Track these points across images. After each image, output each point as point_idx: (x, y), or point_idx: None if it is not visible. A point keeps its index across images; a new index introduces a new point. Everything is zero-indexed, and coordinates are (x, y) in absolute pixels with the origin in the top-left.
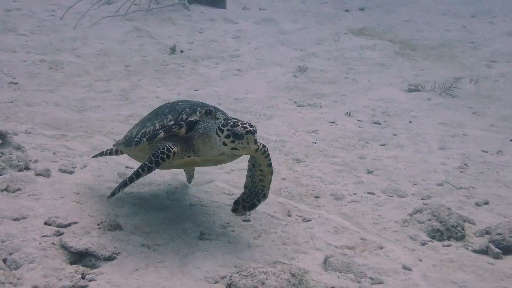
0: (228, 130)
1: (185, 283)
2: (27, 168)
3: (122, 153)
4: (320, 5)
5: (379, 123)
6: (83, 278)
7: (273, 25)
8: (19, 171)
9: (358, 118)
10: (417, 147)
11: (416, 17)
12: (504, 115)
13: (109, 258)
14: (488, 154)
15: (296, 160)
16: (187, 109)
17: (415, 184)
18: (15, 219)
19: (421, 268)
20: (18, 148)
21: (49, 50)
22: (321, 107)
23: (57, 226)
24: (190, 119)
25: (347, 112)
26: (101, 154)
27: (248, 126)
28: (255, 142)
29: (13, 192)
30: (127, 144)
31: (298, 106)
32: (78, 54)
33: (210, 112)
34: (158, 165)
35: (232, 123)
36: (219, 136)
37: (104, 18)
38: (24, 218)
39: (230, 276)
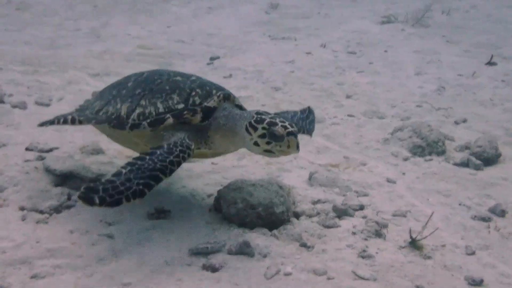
0: (264, 128)
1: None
2: (1, 101)
3: (84, 123)
4: None
5: (355, 53)
6: (69, 199)
7: None
8: None
9: (333, 49)
10: (394, 73)
11: None
12: (477, 42)
13: (94, 180)
14: (464, 77)
15: (275, 88)
16: (198, 90)
17: (394, 107)
18: None
19: (405, 181)
20: None
21: None
22: (295, 40)
23: (39, 151)
24: (206, 104)
25: (322, 44)
26: (52, 123)
27: (288, 126)
28: (298, 146)
29: None
30: (117, 126)
31: (272, 39)
32: None
33: (228, 97)
34: (179, 165)
35: (268, 120)
36: (250, 133)
37: None
38: (4, 145)
39: (218, 190)
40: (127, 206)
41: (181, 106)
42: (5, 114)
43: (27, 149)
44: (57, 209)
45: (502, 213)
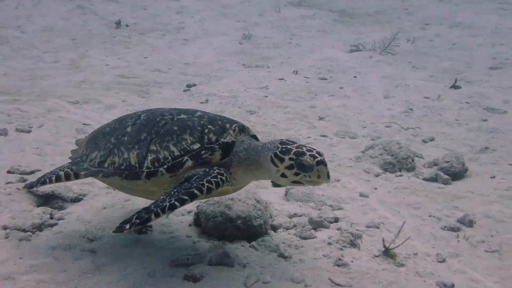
0: (291, 159)
1: None
2: None
3: (84, 177)
4: None
5: (326, 79)
6: (51, 218)
7: (214, 0)
8: None
9: (305, 75)
10: (363, 97)
11: None
12: (442, 67)
13: (76, 200)
14: (430, 100)
15: (250, 111)
16: (210, 126)
17: (364, 127)
18: None
19: (377, 195)
20: None
21: None
22: (268, 67)
23: (21, 173)
24: (223, 140)
25: (294, 71)
26: (43, 183)
27: (317, 155)
28: (328, 175)
29: None
30: (130, 177)
31: (246, 67)
32: (23, 30)
33: (243, 128)
34: (217, 186)
35: (295, 150)
36: (276, 165)
37: None
38: None
39: (197, 206)
40: (108, 223)
41: (197, 146)
42: None
43: (8, 172)
44: (40, 227)
45: (470, 223)
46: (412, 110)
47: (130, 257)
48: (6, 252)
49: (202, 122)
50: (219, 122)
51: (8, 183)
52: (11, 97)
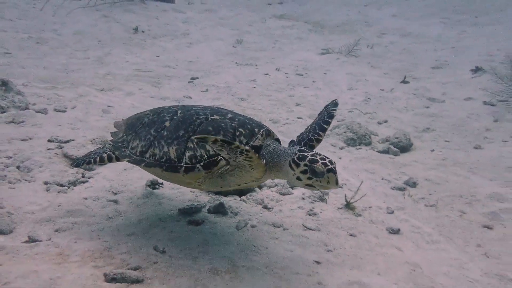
0: (305, 165)
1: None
2: (27, 108)
3: (123, 161)
4: (249, 0)
5: (302, 74)
6: (83, 177)
7: (213, 13)
8: (21, 110)
9: (285, 72)
10: (332, 89)
11: (323, 7)
12: (394, 67)
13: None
14: (384, 91)
15: (241, 98)
16: (241, 130)
17: None
18: (23, 140)
19: (341, 163)
20: (18, 93)
21: (34, 30)
22: (256, 65)
23: (59, 142)
24: (252, 143)
25: (277, 68)
26: (88, 162)
27: (328, 163)
28: (337, 182)
29: (18, 123)
30: (170, 170)
31: (238, 65)
32: (59, 33)
33: (269, 133)
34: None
35: (310, 157)
36: (293, 169)
37: (77, 8)
38: (30, 139)
39: None
40: (128, 181)
41: None
42: (30, 117)
43: (49, 140)
44: (74, 183)
45: (414, 185)
46: (370, 99)
47: (146, 206)
48: (47, 200)
49: (233, 124)
50: (249, 126)
51: (48, 149)
52: (50, 85)
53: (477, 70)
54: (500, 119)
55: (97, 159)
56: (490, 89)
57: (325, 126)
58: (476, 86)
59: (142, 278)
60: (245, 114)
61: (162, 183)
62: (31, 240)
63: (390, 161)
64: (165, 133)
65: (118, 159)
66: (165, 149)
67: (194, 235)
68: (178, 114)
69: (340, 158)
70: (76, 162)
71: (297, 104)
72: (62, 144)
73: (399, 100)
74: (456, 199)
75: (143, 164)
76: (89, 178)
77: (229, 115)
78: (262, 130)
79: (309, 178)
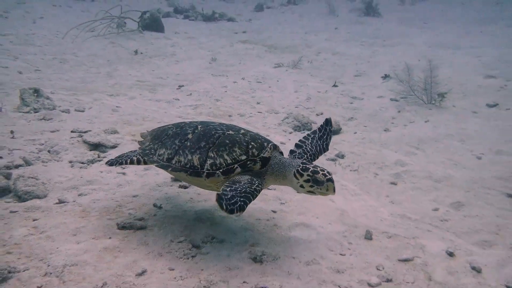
0: (308, 175)
1: None
2: (54, 109)
3: (148, 163)
4: (221, 31)
5: (261, 82)
6: (98, 157)
7: (194, 40)
8: (49, 110)
9: (249, 80)
10: (282, 91)
11: (275, 35)
12: (327, 76)
13: (113, 146)
14: (321, 93)
15: (216, 99)
16: (253, 143)
17: (283, 108)
18: (52, 131)
19: (291, 143)
20: (47, 98)
21: (57, 53)
22: (227, 76)
23: (79, 132)
24: (262, 155)
25: (242, 78)
26: (120, 163)
27: (327, 174)
28: (334, 189)
29: (47, 120)
30: (193, 174)
31: (214, 76)
32: (77, 55)
33: (276, 147)
34: (259, 192)
35: (312, 169)
36: (297, 178)
37: (90, 37)
38: (58, 130)
39: None
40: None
41: (244, 157)
42: (57, 115)
43: (71, 131)
44: (92, 162)
45: (342, 156)
46: (310, 98)
47: (147, 176)
48: (72, 173)
49: (246, 139)
50: (259, 140)
51: (71, 138)
52: (71, 92)
53: (385, 77)
54: (402, 110)
55: (128, 161)
56: (395, 90)
57: (326, 149)
58: (385, 88)
59: (145, 226)
60: (219, 110)
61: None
62: (60, 201)
63: None
64: (189, 143)
65: (145, 163)
66: (189, 157)
67: (183, 195)
68: (199, 128)
69: (289, 139)
70: (111, 161)
71: (258, 103)
72: (82, 134)
73: (331, 99)
74: (371, 165)
75: (170, 169)
76: (103, 157)
77: (242, 131)
78: (270, 144)
79: (311, 186)
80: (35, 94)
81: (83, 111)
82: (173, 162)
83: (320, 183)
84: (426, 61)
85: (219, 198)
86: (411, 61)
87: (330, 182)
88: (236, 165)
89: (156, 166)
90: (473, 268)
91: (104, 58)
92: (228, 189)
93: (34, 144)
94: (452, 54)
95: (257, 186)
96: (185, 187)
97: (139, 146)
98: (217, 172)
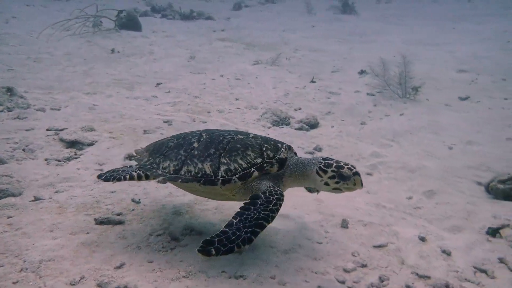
0: (333, 171)
1: None
2: (28, 108)
3: (151, 178)
4: (199, 29)
5: (239, 79)
6: (75, 154)
7: (172, 38)
8: (24, 109)
9: (227, 77)
10: (261, 87)
11: (253, 32)
12: (305, 72)
13: (91, 144)
14: (299, 88)
15: (195, 96)
16: (267, 145)
17: (262, 103)
18: (27, 130)
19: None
20: (21, 97)
21: (32, 52)
22: (205, 73)
23: (55, 130)
24: (279, 156)
25: (221, 75)
26: (118, 179)
27: (352, 167)
28: (362, 183)
29: (22, 119)
30: (207, 183)
31: (193, 74)
32: (52, 54)
33: (290, 147)
34: (277, 212)
35: (335, 164)
36: (320, 176)
37: (66, 36)
38: (33, 129)
39: None
40: (111, 157)
41: (259, 160)
42: (32, 114)
43: (47, 129)
44: (69, 159)
45: (320, 150)
46: (288, 94)
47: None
48: (47, 171)
49: (258, 141)
50: (272, 142)
51: (47, 136)
52: (47, 91)
53: (362, 72)
54: (378, 104)
55: (127, 177)
56: (371, 85)
57: None
58: (362, 83)
59: (123, 220)
60: (198, 107)
61: (137, 156)
62: (36, 199)
63: (303, 135)
64: (196, 152)
65: (147, 178)
66: (199, 165)
67: (162, 190)
68: (204, 136)
69: (268, 134)
70: (105, 177)
71: (236, 99)
72: (58, 132)
73: (309, 94)
74: (348, 157)
75: (180, 180)
76: (80, 155)
77: (251, 135)
78: (284, 145)
79: (337, 182)
80: (8, 93)
81: (59, 110)
82: (182, 173)
83: (346, 178)
84: (401, 57)
85: (203, 245)
86: (387, 57)
87: (357, 176)
88: (252, 169)
89: (161, 180)
90: (444, 252)
91: (80, 57)
92: (236, 219)
93: (8, 143)
94: (426, 50)
95: (275, 202)
96: (164, 182)
97: (117, 143)
98: (233, 178)
